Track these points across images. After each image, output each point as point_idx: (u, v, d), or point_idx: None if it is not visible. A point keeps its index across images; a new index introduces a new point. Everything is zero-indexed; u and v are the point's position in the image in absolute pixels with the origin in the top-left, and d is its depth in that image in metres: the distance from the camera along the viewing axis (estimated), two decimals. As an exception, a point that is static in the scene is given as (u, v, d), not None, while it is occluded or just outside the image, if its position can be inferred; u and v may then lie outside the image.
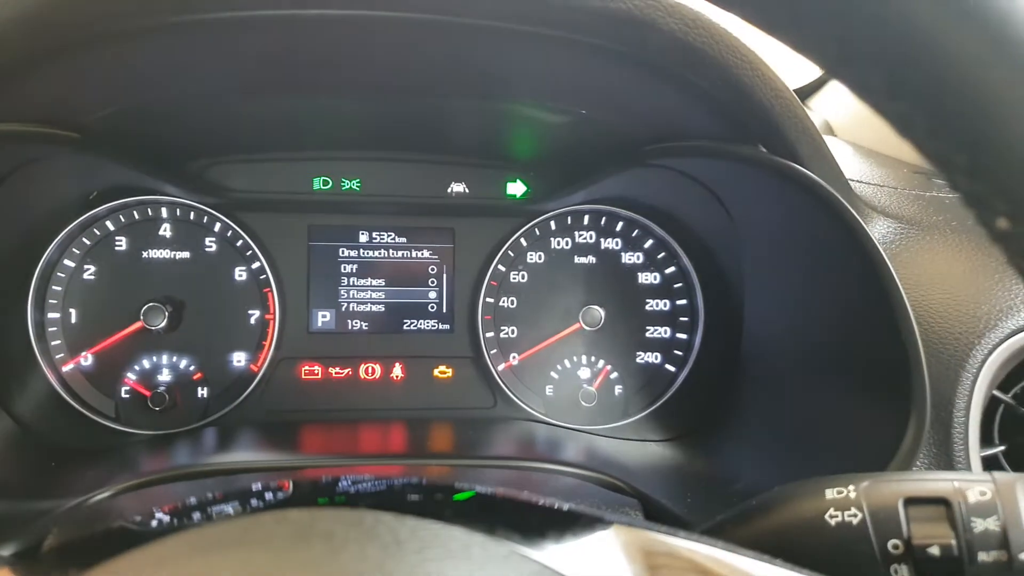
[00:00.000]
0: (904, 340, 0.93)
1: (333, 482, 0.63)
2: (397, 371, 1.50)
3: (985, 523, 0.62)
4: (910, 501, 0.65)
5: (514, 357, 1.51)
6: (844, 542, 0.66)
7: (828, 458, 1.09)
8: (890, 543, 0.64)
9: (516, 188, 1.44)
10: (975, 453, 1.00)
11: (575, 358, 1.51)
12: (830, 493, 0.68)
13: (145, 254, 1.41)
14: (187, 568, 0.36)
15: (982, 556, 0.62)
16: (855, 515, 0.66)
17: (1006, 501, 0.62)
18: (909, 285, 1.05)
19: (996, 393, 1.07)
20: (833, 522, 0.67)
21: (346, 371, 1.48)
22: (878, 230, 1.10)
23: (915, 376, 0.92)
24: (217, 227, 1.43)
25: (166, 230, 1.42)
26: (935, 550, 0.63)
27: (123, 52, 0.93)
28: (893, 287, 0.93)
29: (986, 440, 1.10)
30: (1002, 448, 1.09)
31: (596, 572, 0.41)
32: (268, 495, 0.63)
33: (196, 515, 0.66)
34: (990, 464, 1.08)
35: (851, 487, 0.68)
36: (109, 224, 1.40)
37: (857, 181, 1.20)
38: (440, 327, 1.51)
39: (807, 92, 2.03)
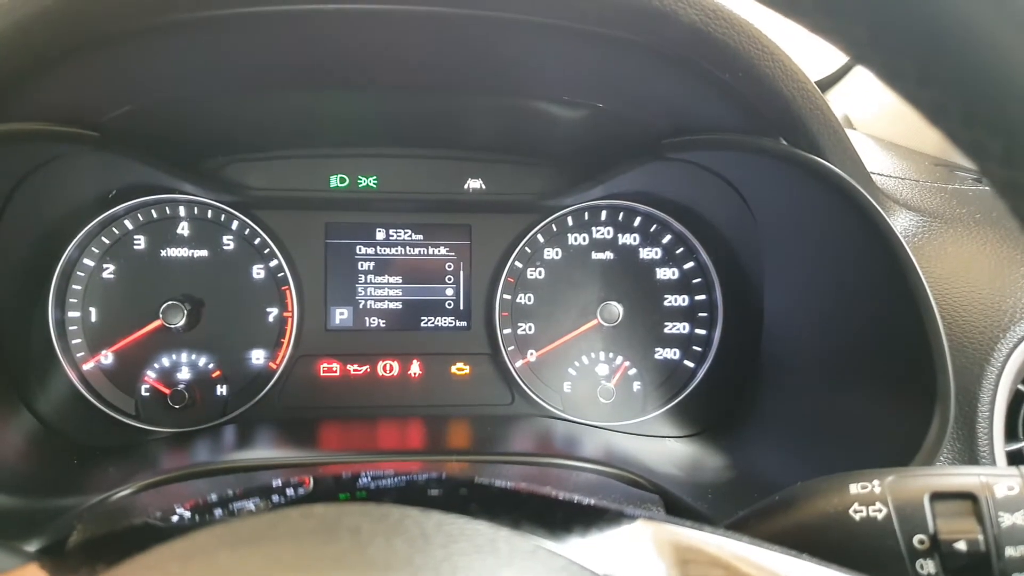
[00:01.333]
0: (928, 334, 0.92)
1: (353, 478, 0.63)
2: (415, 368, 1.50)
3: (1013, 518, 0.62)
4: (936, 496, 0.65)
5: (532, 354, 1.51)
6: (869, 537, 0.66)
7: (850, 454, 1.08)
8: (916, 538, 0.64)
9: (533, 184, 1.43)
10: (999, 448, 0.99)
11: (593, 354, 1.51)
12: (854, 488, 0.68)
13: (164, 253, 1.42)
14: (216, 562, 0.36)
15: (1010, 551, 0.61)
16: (880, 510, 0.66)
17: None
18: (932, 279, 1.04)
19: (1022, 388, 1.06)
20: (858, 517, 0.66)
21: (364, 368, 1.48)
22: (900, 223, 1.09)
23: (939, 370, 0.91)
24: (235, 225, 1.44)
25: (184, 229, 1.43)
26: (962, 545, 0.62)
27: (140, 50, 0.93)
28: (917, 281, 0.92)
29: (1011, 435, 1.09)
30: (1027, 443, 1.08)
31: (624, 566, 0.41)
32: (289, 491, 0.63)
33: (218, 511, 0.66)
34: (1015, 459, 1.07)
35: (876, 482, 0.67)
36: (128, 223, 1.40)
37: (878, 174, 1.19)
38: (457, 324, 1.51)
39: (825, 85, 2.01)
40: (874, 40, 0.38)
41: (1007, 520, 0.62)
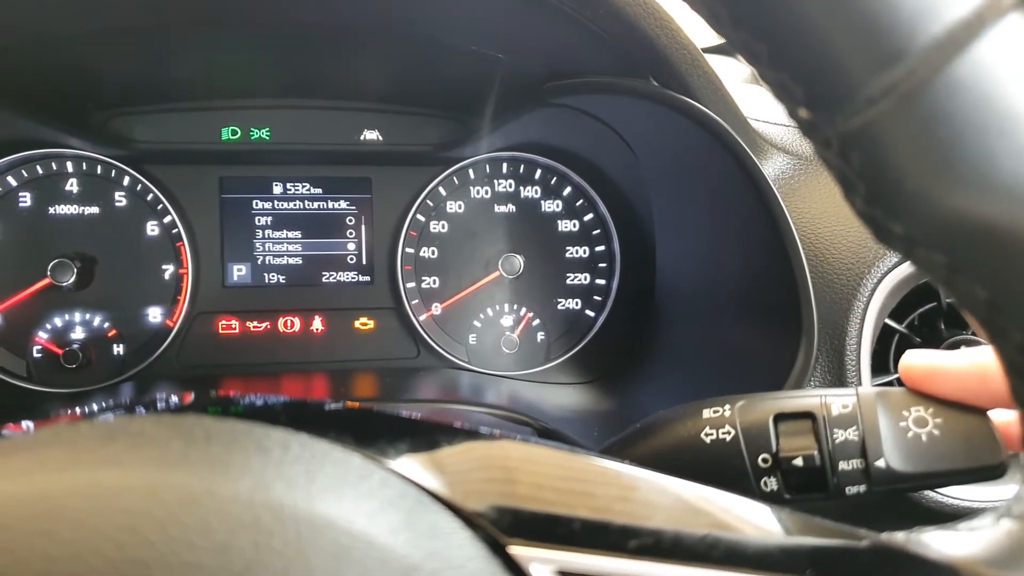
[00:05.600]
0: (794, 270, 0.95)
1: (236, 398, 0.62)
2: (317, 324, 1.49)
3: (846, 433, 0.64)
4: (780, 417, 0.67)
5: (436, 307, 1.51)
6: (718, 458, 0.68)
7: (731, 389, 1.11)
8: (760, 457, 0.66)
9: (431, 135, 1.42)
10: (867, 380, 1.03)
11: (497, 306, 1.52)
12: (707, 412, 0.70)
13: (52, 210, 1.38)
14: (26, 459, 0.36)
15: (842, 465, 0.64)
16: (729, 432, 0.68)
17: (866, 412, 0.65)
18: (805, 218, 1.07)
19: (889, 322, 1.11)
20: (708, 440, 0.68)
21: (264, 325, 1.47)
22: (777, 165, 1.12)
23: (804, 304, 0.95)
24: (126, 181, 1.40)
25: (73, 185, 1.39)
26: (799, 461, 0.65)
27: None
28: (782, 218, 0.95)
29: (883, 369, 1.14)
30: (897, 376, 1.13)
31: (424, 471, 0.42)
32: (160, 404, 0.62)
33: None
34: (885, 391, 1.11)
35: (727, 406, 0.70)
36: (11, 179, 1.36)
37: (762, 121, 1.21)
38: (360, 279, 1.50)
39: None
40: None
41: (840, 436, 0.65)
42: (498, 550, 0.39)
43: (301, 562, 0.33)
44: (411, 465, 0.42)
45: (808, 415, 0.67)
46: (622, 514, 0.43)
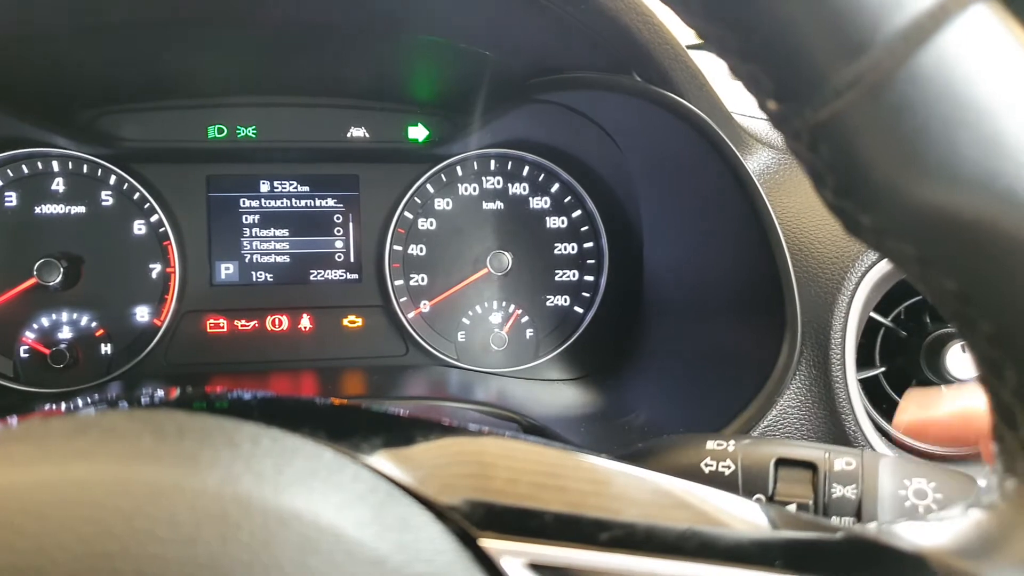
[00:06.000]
0: (777, 266, 0.95)
1: (222, 394, 0.61)
2: (305, 322, 1.49)
3: (844, 490, 0.65)
4: (781, 462, 0.68)
5: (424, 304, 1.51)
6: None
7: (718, 384, 1.11)
8: (755, 496, 0.67)
9: (418, 132, 1.42)
10: (852, 374, 1.03)
11: (486, 303, 1.52)
12: (710, 444, 0.71)
13: (38, 210, 1.38)
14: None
15: (835, 520, 0.65)
16: (728, 466, 0.68)
17: (868, 474, 0.65)
18: (789, 213, 1.07)
19: (874, 316, 1.11)
20: (707, 470, 0.69)
21: (252, 323, 1.47)
22: (760, 161, 1.12)
23: (787, 300, 0.95)
24: (112, 180, 1.40)
25: (59, 184, 1.39)
26: (793, 507, 0.65)
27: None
28: (765, 213, 0.95)
29: (869, 362, 1.14)
30: (882, 370, 1.13)
31: (402, 465, 0.42)
32: (144, 399, 0.62)
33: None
34: (870, 384, 1.12)
35: (732, 442, 0.70)
36: (-3, 179, 1.36)
37: (746, 115, 1.21)
38: (348, 277, 1.50)
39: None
40: None
41: (838, 491, 0.65)
42: (469, 543, 0.39)
43: (268, 555, 0.33)
44: (385, 460, 0.42)
45: (810, 465, 0.67)
46: (596, 508, 0.43)
